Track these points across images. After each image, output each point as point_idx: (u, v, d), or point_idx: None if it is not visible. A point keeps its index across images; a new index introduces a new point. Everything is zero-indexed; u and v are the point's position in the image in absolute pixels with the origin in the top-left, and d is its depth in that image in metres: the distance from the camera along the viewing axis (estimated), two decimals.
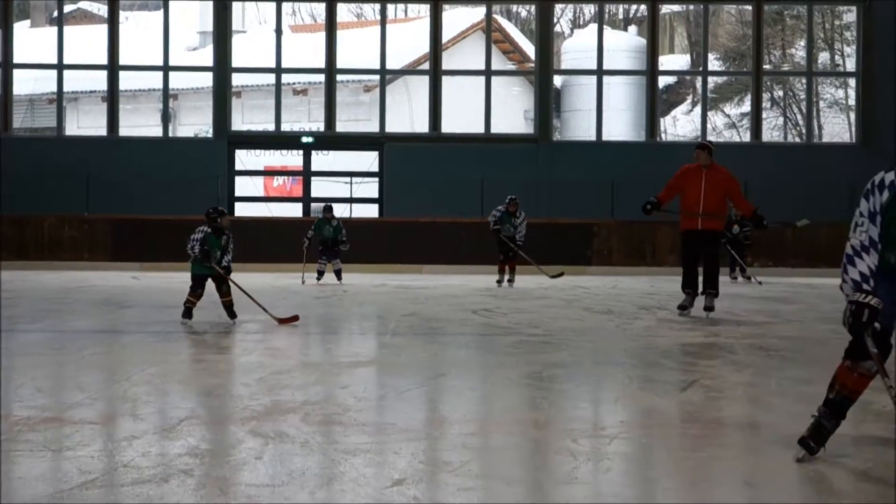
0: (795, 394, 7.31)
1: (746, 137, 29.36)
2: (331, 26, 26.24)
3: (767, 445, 5.73)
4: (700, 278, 12.84)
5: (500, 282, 18.32)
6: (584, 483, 4.83)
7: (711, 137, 29.48)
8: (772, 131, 30.96)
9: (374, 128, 26.69)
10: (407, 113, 28.80)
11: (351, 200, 26.71)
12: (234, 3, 26.83)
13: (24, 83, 27.59)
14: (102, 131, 26.40)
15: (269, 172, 29.83)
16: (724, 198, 12.69)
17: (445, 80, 26.23)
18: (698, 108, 29.73)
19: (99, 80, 26.76)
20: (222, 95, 26.11)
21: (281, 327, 10.87)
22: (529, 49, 29.71)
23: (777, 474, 4.88)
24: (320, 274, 18.88)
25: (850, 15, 29.82)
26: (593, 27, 28.31)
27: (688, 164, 13.01)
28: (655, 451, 5.43)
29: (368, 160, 26.33)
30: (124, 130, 26.48)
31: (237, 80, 27.05)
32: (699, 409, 6.77)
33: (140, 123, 28.92)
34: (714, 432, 6.10)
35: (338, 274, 18.85)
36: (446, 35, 27.30)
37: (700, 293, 12.75)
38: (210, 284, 11.55)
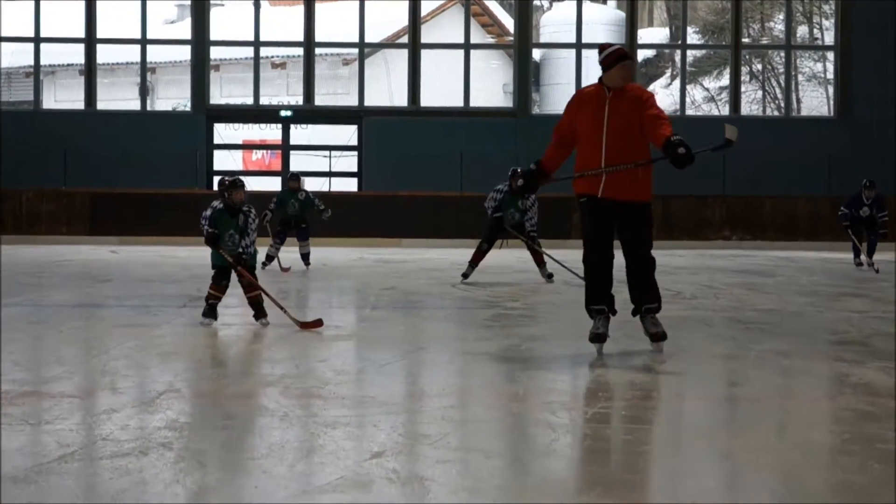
0: (773, 366, 7.35)
1: (725, 111, 29.38)
2: None
3: (746, 417, 5.76)
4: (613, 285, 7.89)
5: (466, 275, 13.93)
6: (563, 455, 4.85)
7: (690, 111, 29.52)
8: (750, 105, 31.02)
9: (352, 101, 26.67)
10: (386, 87, 28.74)
11: (330, 174, 26.67)
12: None
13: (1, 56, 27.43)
14: (80, 105, 26.29)
15: (247, 146, 29.77)
16: (639, 136, 7.55)
17: (424, 53, 26.18)
18: (677, 82, 29.72)
19: (76, 54, 26.62)
20: (200, 69, 26.01)
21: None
22: (508, 22, 29.66)
23: (755, 446, 4.90)
24: (269, 259, 15.26)
25: None
26: (572, 1, 28.30)
27: (587, 87, 7.96)
28: (634, 424, 5.45)
29: (347, 134, 26.28)
30: (102, 104, 26.38)
31: (215, 53, 26.93)
32: (677, 381, 6.79)
33: (118, 97, 28.79)
34: (692, 405, 6.13)
35: (305, 258, 15.72)
36: (425, 8, 27.23)
37: (632, 314, 7.87)
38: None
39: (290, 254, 15.83)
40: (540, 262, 14.13)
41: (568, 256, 16.19)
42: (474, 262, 14.05)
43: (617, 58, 7.53)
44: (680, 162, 7.19)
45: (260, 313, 9.16)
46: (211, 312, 9.19)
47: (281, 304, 9.26)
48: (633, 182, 7.51)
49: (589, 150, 7.57)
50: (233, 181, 9.21)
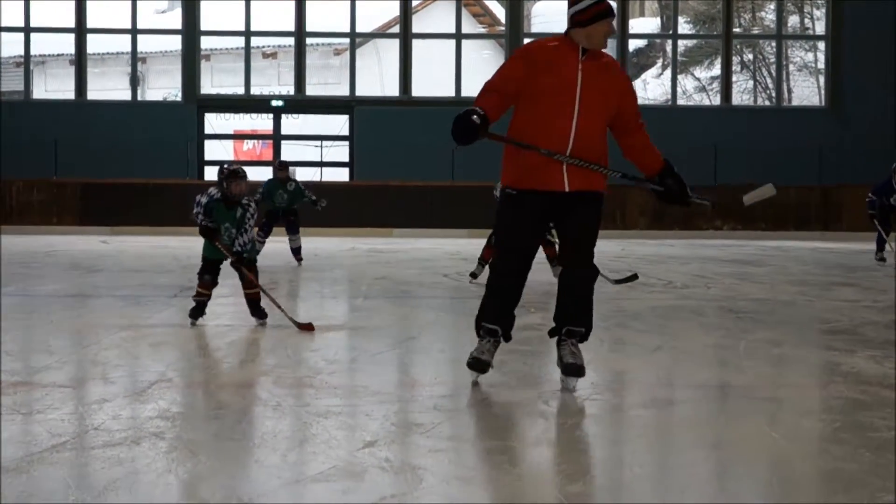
0: (765, 355, 7.36)
1: (716, 101, 29.39)
2: None
3: (737, 407, 5.76)
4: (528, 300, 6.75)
5: (475, 275, 12.31)
6: (554, 444, 4.85)
7: (682, 101, 29.54)
8: (742, 94, 31.01)
9: (344, 91, 26.66)
10: (377, 76, 28.73)
11: (321, 164, 26.66)
12: None
13: None
14: (70, 95, 26.27)
15: (238, 136, 29.76)
16: (606, 122, 5.95)
17: (416, 43, 26.18)
18: (668, 72, 29.70)
19: (67, 43, 26.59)
20: (191, 59, 26.00)
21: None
22: (500, 12, 29.66)
23: (746, 436, 4.91)
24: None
25: None
26: None
27: (545, 40, 6.08)
28: (625, 413, 5.45)
29: (338, 124, 26.28)
30: (92, 94, 26.36)
31: (206, 43, 26.92)
32: (669, 371, 6.80)
33: (108, 87, 28.76)
34: (683, 394, 6.13)
35: (296, 252, 14.74)
36: None
37: (551, 334, 6.18)
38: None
39: (279, 244, 15.36)
40: (553, 258, 12.24)
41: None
42: (486, 259, 12.06)
43: (602, 12, 5.85)
44: (674, 202, 6.08)
45: (258, 313, 8.51)
46: (197, 311, 8.49)
47: (278, 303, 8.58)
48: (590, 173, 5.85)
49: (550, 123, 5.81)
50: (233, 170, 8.44)
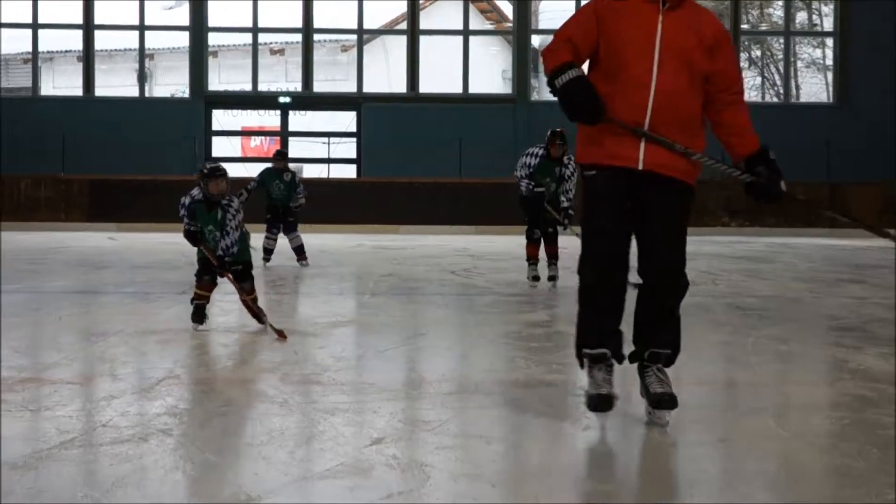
0: (772, 352, 7.36)
1: None
2: None
3: (744, 403, 5.76)
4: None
5: (535, 277, 11.52)
6: (562, 441, 4.85)
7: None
8: (750, 91, 30.95)
9: (351, 88, 26.65)
10: (384, 73, 28.72)
11: (329, 161, 26.67)
12: None
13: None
14: (78, 91, 26.30)
15: (246, 132, 29.76)
16: (697, 85, 4.86)
17: (423, 39, 26.18)
18: None
19: (74, 40, 26.61)
20: (199, 55, 26.02)
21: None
22: (507, 9, 29.63)
23: (753, 433, 4.91)
24: (267, 252, 13.84)
25: None
26: None
27: None
28: (632, 410, 5.44)
29: (346, 120, 26.28)
30: (100, 90, 26.38)
31: (214, 39, 26.95)
32: (676, 367, 6.77)
33: (116, 83, 28.78)
34: (690, 390, 6.12)
35: (299, 252, 14.04)
36: None
37: (632, 359, 5.21)
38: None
39: (282, 240, 14.63)
40: (554, 255, 11.56)
41: (567, 243, 16.11)
42: (534, 254, 11.64)
43: None
44: (763, 195, 4.99)
45: (257, 316, 8.05)
46: (198, 315, 8.10)
47: (264, 314, 8.11)
48: (672, 151, 4.85)
49: (625, 84, 4.82)
50: (211, 169, 8.02)
